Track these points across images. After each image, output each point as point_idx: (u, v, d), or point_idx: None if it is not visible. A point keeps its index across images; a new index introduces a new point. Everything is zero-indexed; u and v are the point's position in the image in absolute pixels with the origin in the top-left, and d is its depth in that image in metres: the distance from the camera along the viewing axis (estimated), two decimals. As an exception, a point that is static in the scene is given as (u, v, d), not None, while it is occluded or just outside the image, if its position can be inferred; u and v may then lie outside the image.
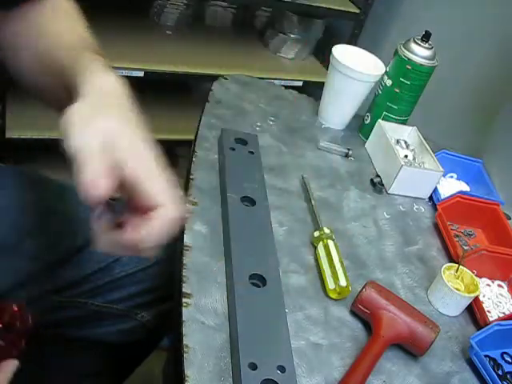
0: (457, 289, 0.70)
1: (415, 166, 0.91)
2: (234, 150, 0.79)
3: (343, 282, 0.66)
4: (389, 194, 0.90)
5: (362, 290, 0.65)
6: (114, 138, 0.45)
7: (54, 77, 0.58)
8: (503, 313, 0.75)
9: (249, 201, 0.72)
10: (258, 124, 0.93)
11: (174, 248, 0.79)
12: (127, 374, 1.00)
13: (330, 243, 0.71)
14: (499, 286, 0.80)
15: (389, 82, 0.95)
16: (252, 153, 0.81)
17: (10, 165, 0.85)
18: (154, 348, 0.99)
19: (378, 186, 0.89)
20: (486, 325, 0.69)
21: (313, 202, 0.79)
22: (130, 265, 0.83)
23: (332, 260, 0.69)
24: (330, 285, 0.67)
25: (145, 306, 0.86)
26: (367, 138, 0.99)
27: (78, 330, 0.81)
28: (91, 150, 0.43)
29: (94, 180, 0.42)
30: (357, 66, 0.93)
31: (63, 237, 0.78)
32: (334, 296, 0.67)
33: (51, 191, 0.81)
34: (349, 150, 0.94)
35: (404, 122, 1.00)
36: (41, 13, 0.64)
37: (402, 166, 0.87)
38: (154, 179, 0.46)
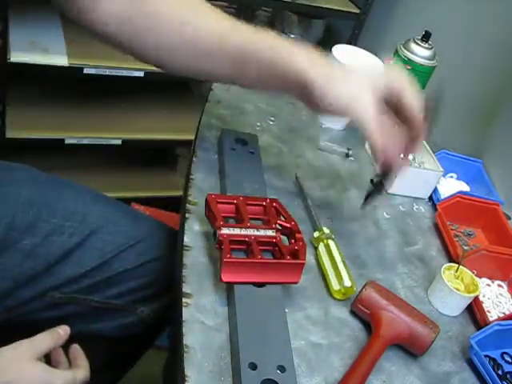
0: (457, 289, 0.70)
1: (415, 166, 0.91)
2: (234, 149, 0.79)
3: (348, 283, 0.66)
4: (389, 194, 0.90)
5: (361, 290, 0.65)
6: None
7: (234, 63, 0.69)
8: (503, 313, 0.75)
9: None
10: (258, 124, 0.93)
11: (173, 243, 0.78)
12: (127, 369, 1.00)
13: (331, 243, 0.71)
14: (499, 285, 0.80)
15: (389, 82, 0.95)
16: (252, 153, 0.81)
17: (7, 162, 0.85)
18: (154, 342, 0.99)
19: (378, 186, 0.89)
20: (486, 325, 0.69)
21: (309, 202, 0.78)
22: (129, 260, 0.83)
23: (334, 260, 0.69)
24: (335, 286, 0.67)
25: (144, 300, 0.86)
26: (367, 138, 0.99)
27: (78, 326, 0.81)
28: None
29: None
30: (357, 66, 0.93)
31: (62, 234, 0.78)
32: (338, 297, 0.67)
33: (49, 188, 0.82)
34: (349, 149, 0.94)
35: (404, 122, 0.99)
36: None
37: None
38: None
